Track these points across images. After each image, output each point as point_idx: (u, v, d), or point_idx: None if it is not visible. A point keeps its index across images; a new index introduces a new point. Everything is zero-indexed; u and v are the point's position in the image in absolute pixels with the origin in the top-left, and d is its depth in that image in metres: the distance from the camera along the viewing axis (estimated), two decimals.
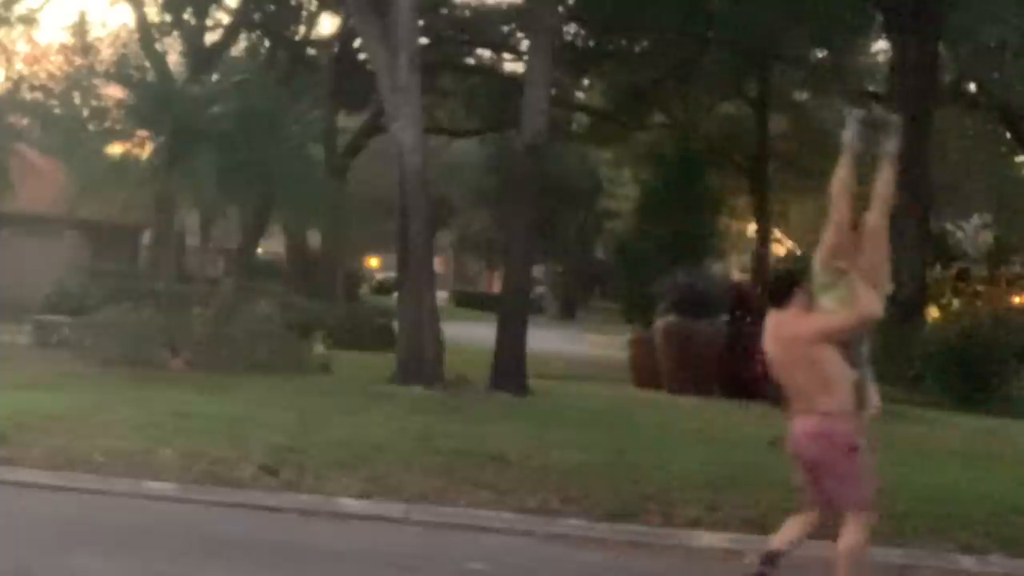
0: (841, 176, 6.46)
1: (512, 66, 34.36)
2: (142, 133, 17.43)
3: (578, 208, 50.79)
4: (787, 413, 6.16)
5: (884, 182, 6.54)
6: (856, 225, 6.42)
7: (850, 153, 6.54)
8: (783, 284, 6.33)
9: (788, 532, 6.24)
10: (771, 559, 6.11)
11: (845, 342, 6.13)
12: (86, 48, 44.28)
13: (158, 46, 30.50)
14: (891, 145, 6.57)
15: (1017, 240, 36.20)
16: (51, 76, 45.13)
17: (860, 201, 6.54)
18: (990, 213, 38.14)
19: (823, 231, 6.50)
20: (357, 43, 29.22)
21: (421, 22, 21.23)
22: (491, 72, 35.25)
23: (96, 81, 41.82)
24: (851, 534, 5.91)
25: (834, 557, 5.91)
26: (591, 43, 30.37)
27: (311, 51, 33.71)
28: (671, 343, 17.73)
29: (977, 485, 9.53)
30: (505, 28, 32.37)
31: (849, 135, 6.59)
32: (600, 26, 28.60)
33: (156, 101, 17.24)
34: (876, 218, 6.48)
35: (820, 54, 28.09)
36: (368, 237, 48.59)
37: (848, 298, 6.11)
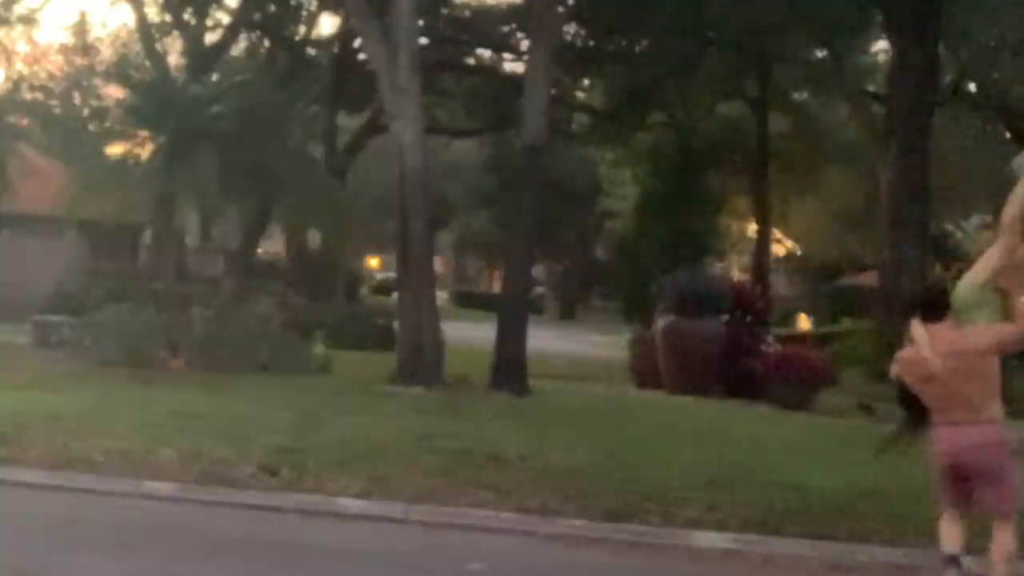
0: (1016, 204, 6.50)
1: (512, 66, 34.39)
2: (142, 133, 17.43)
3: (578, 208, 50.79)
4: (939, 422, 6.23)
5: None
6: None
7: None
8: (941, 298, 6.42)
9: (995, 552, 6.17)
10: None
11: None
12: (86, 48, 44.32)
13: (158, 46, 30.53)
14: None
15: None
16: (51, 76, 45.20)
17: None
18: (990, 213, 38.15)
19: (988, 254, 6.61)
20: (357, 43, 29.21)
21: (421, 22, 21.25)
22: (491, 72, 35.24)
23: (96, 81, 42.00)
24: (1010, 538, 6.07)
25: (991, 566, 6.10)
26: (591, 43, 30.37)
27: (311, 51, 33.71)
28: (671, 343, 17.71)
29: None
30: (505, 28, 32.37)
31: None
32: (600, 26, 28.59)
33: (156, 101, 17.25)
34: None
35: (820, 54, 28.08)
36: (368, 237, 48.61)
37: (999, 316, 6.33)
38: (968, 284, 6.54)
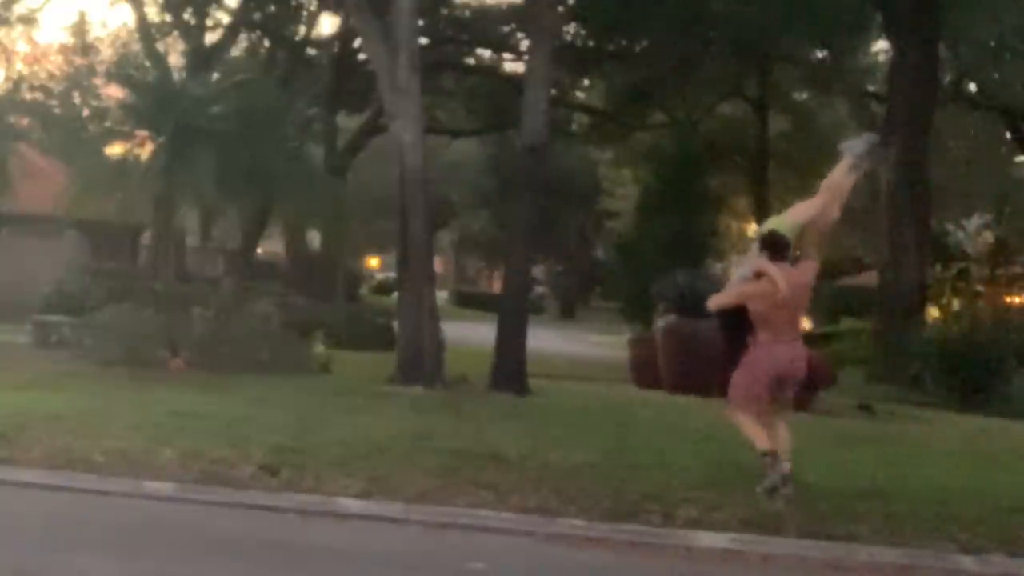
0: (839, 174, 8.29)
1: (512, 66, 34.43)
2: (142, 133, 17.42)
3: (578, 208, 50.79)
4: (777, 341, 7.86)
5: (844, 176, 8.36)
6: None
7: (854, 162, 8.28)
8: (784, 241, 7.86)
9: (782, 442, 7.96)
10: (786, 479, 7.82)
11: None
12: (86, 48, 44.37)
13: (158, 46, 30.54)
14: (876, 163, 8.85)
15: (1017, 240, 36.20)
16: (51, 76, 45.25)
17: None
18: (990, 213, 38.18)
19: (808, 203, 8.36)
20: (357, 43, 29.24)
21: (421, 22, 21.24)
22: (491, 72, 35.28)
23: (96, 81, 42.03)
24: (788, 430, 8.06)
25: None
26: (591, 43, 30.40)
27: (311, 51, 33.73)
28: (671, 343, 17.71)
29: (977, 485, 9.50)
30: (505, 28, 32.40)
31: (860, 148, 8.31)
32: (600, 26, 28.61)
33: (156, 101, 17.22)
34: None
35: (820, 54, 28.12)
36: (368, 237, 48.65)
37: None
38: (788, 224, 8.03)
